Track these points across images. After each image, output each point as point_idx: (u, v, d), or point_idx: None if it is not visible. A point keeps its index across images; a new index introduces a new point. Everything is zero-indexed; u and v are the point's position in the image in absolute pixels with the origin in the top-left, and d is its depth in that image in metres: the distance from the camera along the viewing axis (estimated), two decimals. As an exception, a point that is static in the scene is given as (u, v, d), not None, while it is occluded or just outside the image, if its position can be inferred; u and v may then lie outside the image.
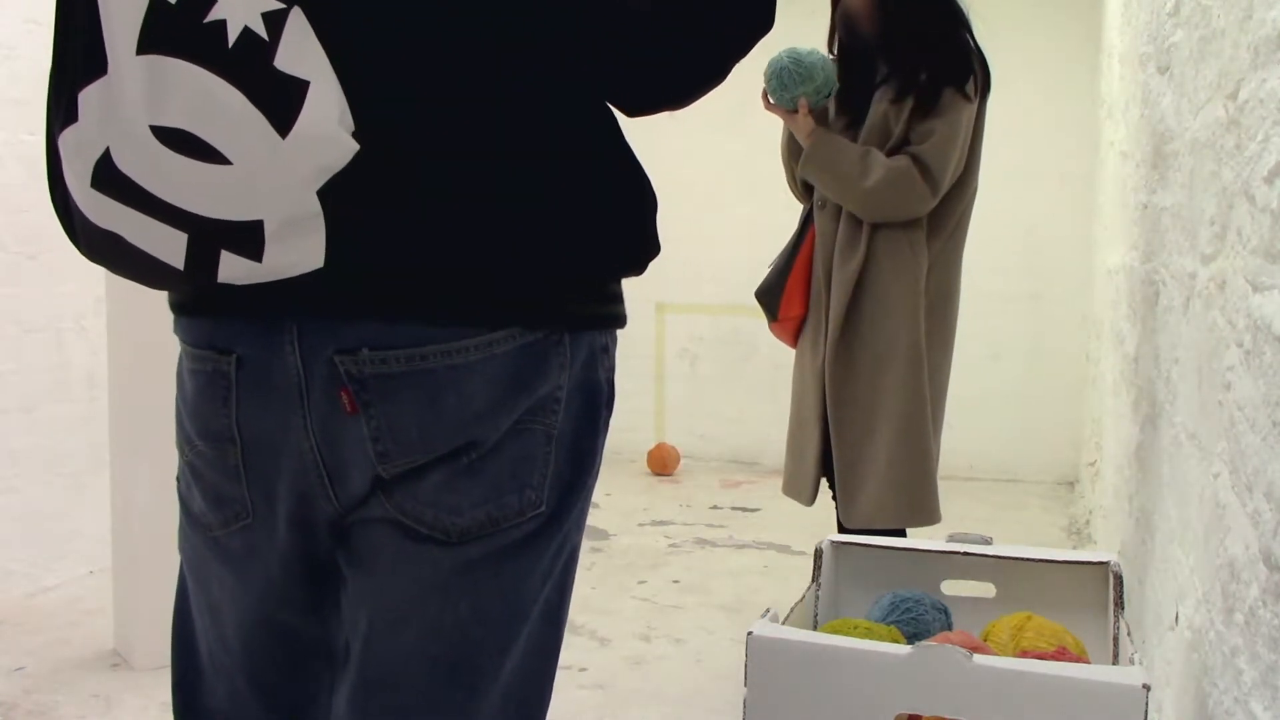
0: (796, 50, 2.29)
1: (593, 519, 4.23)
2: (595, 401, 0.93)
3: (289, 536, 0.91)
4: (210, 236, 0.79)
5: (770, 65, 2.31)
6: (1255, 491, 1.17)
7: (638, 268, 0.94)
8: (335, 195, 0.78)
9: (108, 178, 0.79)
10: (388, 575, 0.88)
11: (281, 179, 0.77)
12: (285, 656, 0.96)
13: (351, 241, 0.80)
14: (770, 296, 2.45)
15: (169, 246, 0.80)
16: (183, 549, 0.99)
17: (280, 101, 0.75)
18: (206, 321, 0.89)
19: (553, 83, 0.85)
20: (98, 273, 2.90)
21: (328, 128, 0.76)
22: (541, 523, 0.89)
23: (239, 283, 0.81)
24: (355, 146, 0.77)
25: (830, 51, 2.41)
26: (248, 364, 0.87)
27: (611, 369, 0.95)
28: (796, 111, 2.31)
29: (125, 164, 0.78)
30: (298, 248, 0.79)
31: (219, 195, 0.77)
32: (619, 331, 0.97)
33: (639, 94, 0.91)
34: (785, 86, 2.29)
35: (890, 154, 2.25)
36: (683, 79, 0.91)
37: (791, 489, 2.46)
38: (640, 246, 0.93)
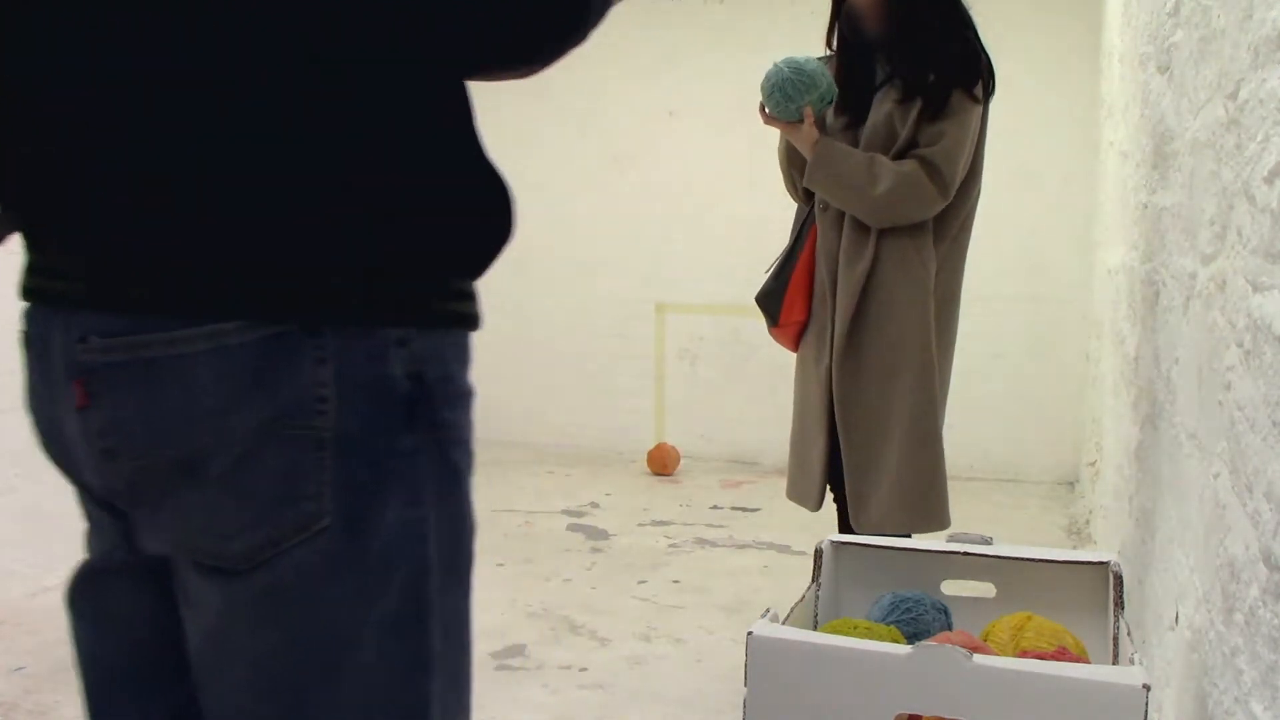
0: (794, 60, 2.25)
1: (593, 519, 4.24)
2: (388, 399, 0.82)
3: (95, 532, 0.89)
4: None
5: (769, 78, 2.25)
6: (1255, 491, 1.17)
7: (451, 261, 0.85)
8: None
9: None
10: (195, 614, 0.83)
11: None
12: (140, 684, 0.92)
13: (27, 195, 0.77)
14: (771, 301, 2.41)
15: None
16: None
17: None
18: (25, 305, 0.88)
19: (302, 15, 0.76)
20: (98, 273, 2.90)
21: None
22: (334, 536, 0.80)
23: None
24: None
25: (829, 48, 2.40)
26: (33, 347, 0.86)
27: (419, 363, 0.83)
28: (800, 121, 2.26)
29: None
30: None
31: None
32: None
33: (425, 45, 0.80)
34: (790, 98, 2.23)
35: (897, 157, 2.23)
36: (476, 50, 0.83)
37: (796, 493, 2.46)
38: (449, 232, 0.84)
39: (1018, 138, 4.49)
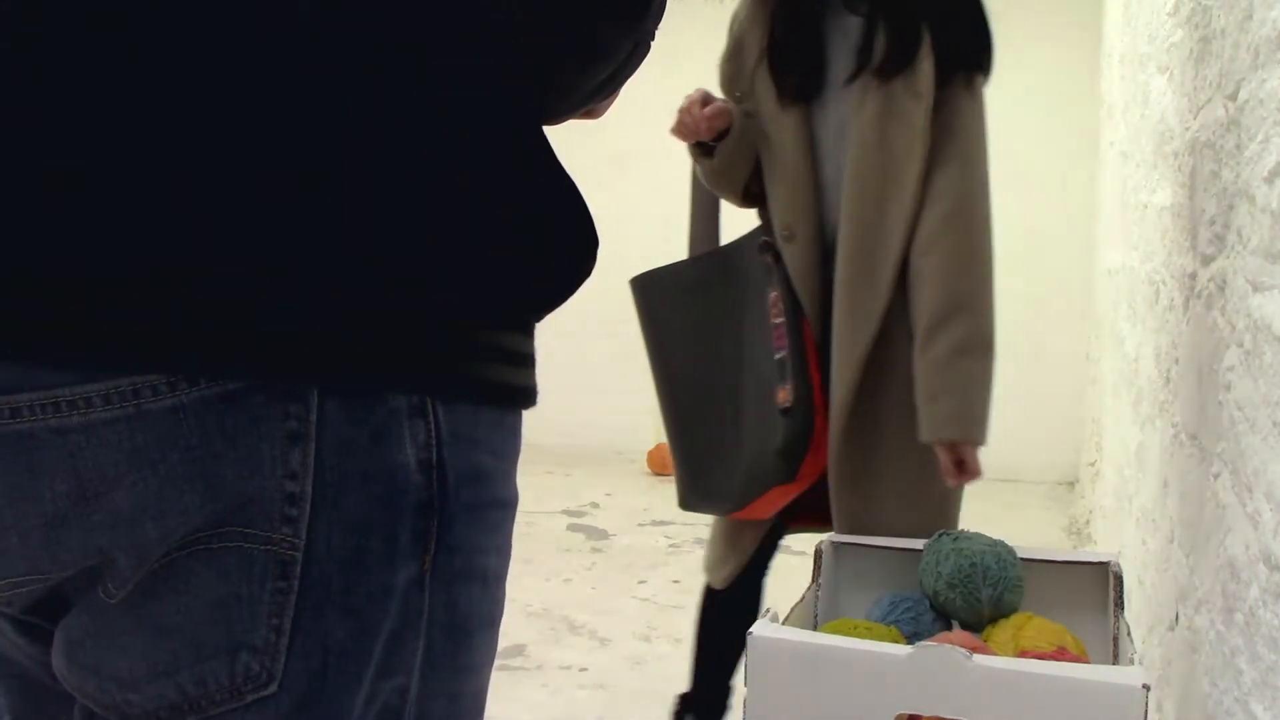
0: (983, 548, 1.49)
1: (593, 519, 4.24)
2: (391, 502, 0.56)
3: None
4: None
5: (983, 574, 1.46)
6: (1255, 491, 1.17)
7: (498, 305, 0.61)
8: None
9: None
10: None
11: None
12: None
13: None
14: (799, 448, 1.64)
15: None
16: None
17: None
18: None
19: None
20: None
21: None
22: (277, 714, 0.55)
23: None
24: None
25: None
26: None
27: (439, 447, 0.58)
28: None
29: None
30: None
31: None
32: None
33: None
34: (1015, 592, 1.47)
35: (924, 180, 1.68)
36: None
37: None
38: (500, 262, 0.60)
39: (1018, 138, 4.49)
